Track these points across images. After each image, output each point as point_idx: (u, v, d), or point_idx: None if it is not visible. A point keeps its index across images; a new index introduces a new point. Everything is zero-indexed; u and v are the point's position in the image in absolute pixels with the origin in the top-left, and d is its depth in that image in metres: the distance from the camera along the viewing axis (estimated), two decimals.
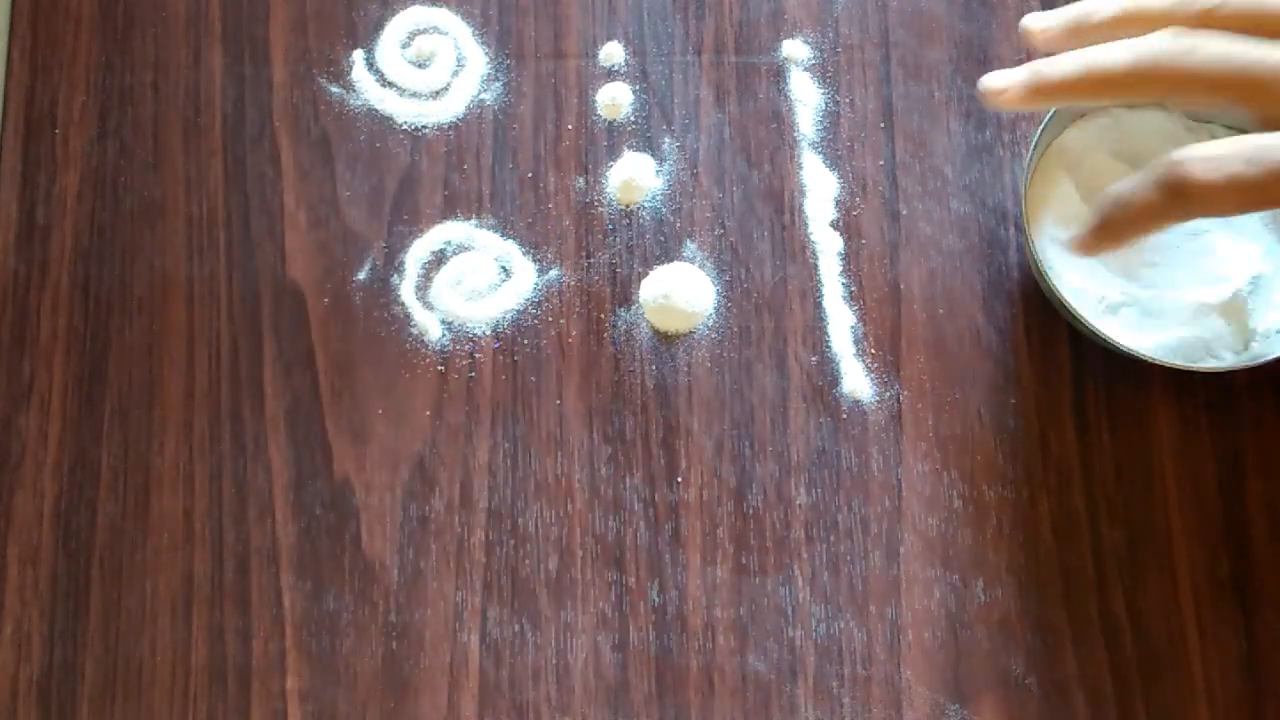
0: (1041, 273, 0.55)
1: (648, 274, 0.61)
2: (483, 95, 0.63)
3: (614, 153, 0.62)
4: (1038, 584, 0.57)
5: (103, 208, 0.62)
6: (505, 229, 0.62)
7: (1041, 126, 0.56)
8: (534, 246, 0.61)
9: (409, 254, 0.61)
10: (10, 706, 0.56)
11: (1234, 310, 0.55)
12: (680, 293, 0.60)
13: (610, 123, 0.63)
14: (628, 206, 0.62)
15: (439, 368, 0.60)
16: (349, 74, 0.64)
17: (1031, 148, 0.56)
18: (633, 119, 0.63)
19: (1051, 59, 0.51)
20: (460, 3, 0.65)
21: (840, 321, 0.60)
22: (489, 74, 0.64)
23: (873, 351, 0.60)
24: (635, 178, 0.62)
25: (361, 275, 0.61)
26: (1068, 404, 0.59)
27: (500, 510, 0.58)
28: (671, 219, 0.62)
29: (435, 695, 0.56)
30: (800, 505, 0.58)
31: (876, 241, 0.61)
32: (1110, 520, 0.57)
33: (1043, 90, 0.51)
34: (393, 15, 0.65)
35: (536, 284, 0.61)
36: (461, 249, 0.61)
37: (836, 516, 0.58)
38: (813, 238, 0.61)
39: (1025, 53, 0.62)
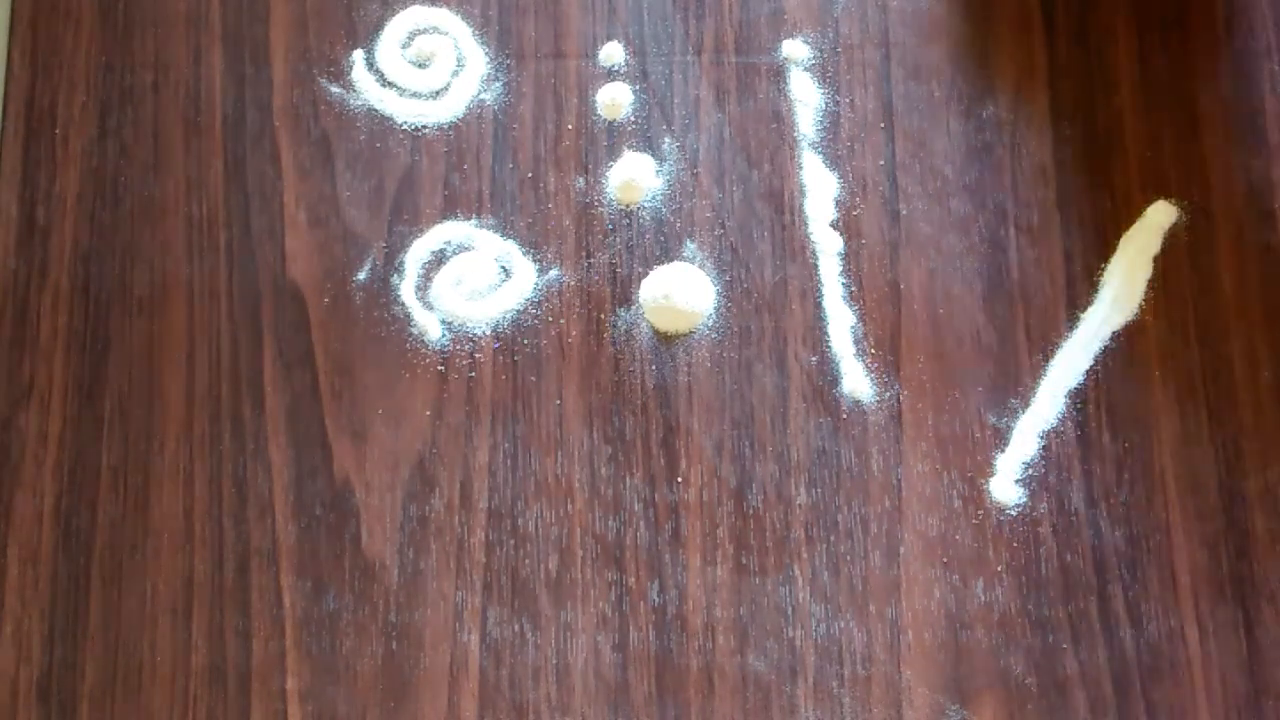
0: None
1: (648, 274, 0.61)
2: (483, 95, 0.63)
3: (614, 153, 0.62)
4: (1038, 584, 0.57)
5: (103, 208, 0.62)
6: (505, 229, 0.62)
7: None
8: (534, 246, 0.61)
9: (409, 254, 0.61)
10: (10, 706, 0.56)
11: None
12: (680, 293, 0.60)
13: (610, 123, 0.63)
14: (628, 206, 0.62)
15: (439, 368, 0.60)
16: (349, 74, 0.64)
17: None
18: (633, 119, 0.63)
19: None
20: (460, 3, 0.65)
21: (840, 321, 0.60)
22: (489, 74, 0.64)
23: (873, 351, 0.60)
24: (635, 178, 0.62)
25: (361, 275, 0.61)
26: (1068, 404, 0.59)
27: (500, 510, 0.58)
28: (671, 219, 0.61)
29: (435, 695, 0.56)
30: (800, 505, 0.58)
31: (876, 241, 0.61)
32: (1110, 520, 0.57)
33: None
34: (393, 15, 0.65)
35: (536, 284, 0.61)
36: (461, 249, 0.61)
37: (836, 516, 0.58)
38: (813, 238, 0.61)
39: (1025, 52, 0.62)
